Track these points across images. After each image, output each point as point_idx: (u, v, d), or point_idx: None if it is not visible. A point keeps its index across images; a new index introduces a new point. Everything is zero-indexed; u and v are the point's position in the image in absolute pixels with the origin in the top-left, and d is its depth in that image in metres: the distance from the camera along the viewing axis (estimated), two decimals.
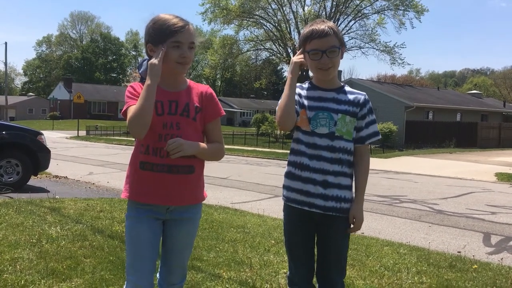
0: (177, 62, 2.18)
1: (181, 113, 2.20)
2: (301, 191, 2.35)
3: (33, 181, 9.97)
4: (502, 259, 5.22)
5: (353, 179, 2.43)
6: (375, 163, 18.55)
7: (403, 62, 40.89)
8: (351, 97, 2.40)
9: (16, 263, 3.77)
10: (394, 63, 41.05)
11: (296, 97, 2.36)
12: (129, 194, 2.24)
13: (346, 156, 2.36)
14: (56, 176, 11.73)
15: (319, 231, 2.41)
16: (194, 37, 2.22)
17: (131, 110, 2.11)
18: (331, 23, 2.40)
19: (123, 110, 2.20)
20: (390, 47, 40.71)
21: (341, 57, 2.42)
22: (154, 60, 2.13)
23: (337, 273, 2.41)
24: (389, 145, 27.75)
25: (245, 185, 11.55)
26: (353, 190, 2.44)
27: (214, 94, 2.34)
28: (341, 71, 34.37)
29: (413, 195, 10.55)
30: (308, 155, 2.34)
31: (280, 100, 2.32)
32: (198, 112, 2.24)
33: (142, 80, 2.27)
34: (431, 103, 34.47)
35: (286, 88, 2.30)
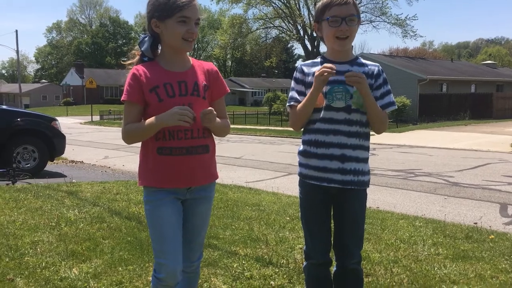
0: (184, 39, 2.14)
1: (191, 93, 2.17)
2: (318, 167, 2.34)
3: (50, 166, 10.12)
4: None
5: (369, 151, 2.42)
6: (388, 137, 18.43)
7: (415, 35, 40.27)
8: (365, 68, 2.37)
9: (37, 246, 3.85)
10: (406, 36, 40.45)
11: (309, 78, 2.35)
12: (149, 182, 2.21)
13: (363, 129, 2.34)
14: (72, 161, 11.89)
15: (336, 205, 2.41)
16: (199, 13, 2.19)
17: (128, 130, 2.16)
18: None
19: (122, 98, 2.17)
20: (401, 19, 40.04)
21: (357, 28, 2.39)
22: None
23: (354, 244, 2.41)
24: (403, 119, 27.49)
25: (259, 164, 11.58)
26: (368, 163, 2.43)
27: (218, 71, 2.32)
28: (352, 46, 33.85)
29: (428, 168, 10.48)
30: (323, 130, 2.32)
31: (301, 105, 2.32)
32: (206, 90, 2.22)
33: (143, 58, 2.24)
34: (445, 75, 33.92)
35: (308, 101, 2.29)
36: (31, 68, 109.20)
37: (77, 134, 22.97)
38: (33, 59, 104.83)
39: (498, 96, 31.12)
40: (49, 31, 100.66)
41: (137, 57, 2.27)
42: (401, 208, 6.59)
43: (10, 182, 7.70)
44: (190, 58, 2.30)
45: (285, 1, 41.38)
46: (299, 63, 2.49)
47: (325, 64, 2.26)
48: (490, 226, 5.26)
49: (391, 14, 40.62)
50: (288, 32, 43.45)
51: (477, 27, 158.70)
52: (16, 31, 47.75)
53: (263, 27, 44.65)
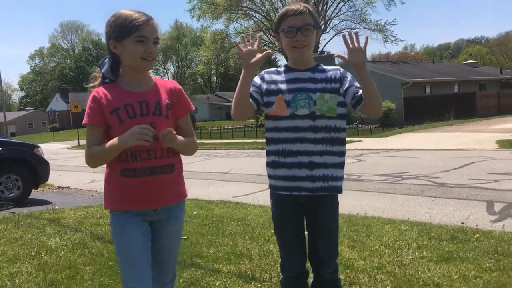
0: (142, 58, 2.12)
1: (153, 113, 2.14)
2: (287, 177, 2.32)
3: (35, 194, 10.00)
4: (503, 226, 5.19)
5: (342, 156, 2.39)
6: (375, 142, 18.52)
7: (395, 39, 40.85)
8: (327, 74, 2.37)
9: (15, 277, 3.77)
10: (387, 41, 41.03)
11: (267, 86, 2.35)
12: (113, 205, 2.18)
13: (331, 134, 2.32)
14: (59, 187, 11.75)
15: (308, 213, 2.38)
16: (157, 32, 2.17)
17: (91, 153, 2.12)
18: (306, 4, 2.39)
19: (83, 122, 2.14)
20: (381, 25, 40.64)
21: (318, 39, 2.41)
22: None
23: (329, 254, 2.38)
24: (389, 123, 27.65)
25: (246, 178, 11.53)
26: (343, 169, 2.41)
27: (182, 89, 2.30)
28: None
29: (414, 171, 10.50)
30: (289, 139, 2.30)
31: (236, 91, 2.30)
32: (169, 109, 2.19)
33: (104, 80, 2.22)
34: (427, 77, 34.30)
35: (240, 81, 2.27)
36: (16, 96, 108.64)
37: (64, 159, 22.76)
38: (17, 87, 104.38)
39: (481, 95, 31.47)
40: (32, 58, 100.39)
41: (99, 79, 2.25)
42: (389, 212, 6.57)
43: None
44: (153, 78, 2.28)
45: (265, 14, 41.79)
46: (263, 71, 2.48)
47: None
48: (476, 225, 5.26)
49: (370, 21, 41.25)
50: (271, 44, 43.72)
51: (457, 28, 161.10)
52: None
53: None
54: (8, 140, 10.63)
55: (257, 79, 2.40)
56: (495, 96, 32.32)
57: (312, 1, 40.90)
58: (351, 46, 2.23)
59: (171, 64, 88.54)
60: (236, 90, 2.29)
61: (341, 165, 2.39)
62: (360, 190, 8.66)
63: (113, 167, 2.17)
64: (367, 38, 2.28)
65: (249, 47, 2.25)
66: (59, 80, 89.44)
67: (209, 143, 26.64)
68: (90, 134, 2.16)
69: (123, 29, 2.10)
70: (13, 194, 9.15)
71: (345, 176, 6.76)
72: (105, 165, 2.22)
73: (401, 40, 48.51)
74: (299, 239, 2.40)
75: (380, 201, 7.52)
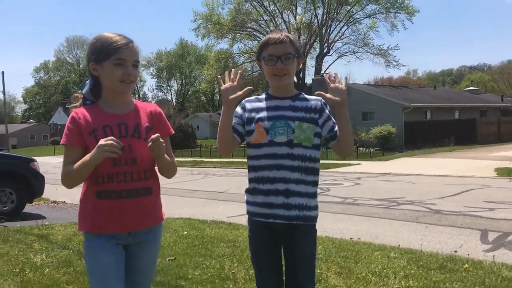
0: (121, 81, 2.13)
1: (132, 135, 2.14)
2: (263, 204, 2.32)
3: (30, 208, 9.95)
4: (494, 256, 5.13)
5: (316, 186, 2.39)
6: (374, 166, 18.48)
7: (397, 64, 41.18)
8: (307, 103, 2.38)
9: None
10: (389, 65, 41.33)
11: (247, 114, 2.38)
12: (87, 227, 2.15)
13: (306, 164, 2.32)
14: (54, 201, 11.70)
15: (285, 242, 2.37)
16: (138, 55, 2.18)
17: (66, 173, 2.11)
18: (288, 33, 2.42)
19: (61, 142, 2.15)
20: (383, 50, 40.98)
21: (298, 67, 2.44)
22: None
23: (307, 282, 2.36)
24: (389, 147, 27.66)
25: (243, 198, 11.44)
26: (316, 198, 2.40)
27: (162, 112, 2.31)
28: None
29: (411, 196, 10.46)
30: (267, 166, 2.31)
31: (218, 128, 2.34)
32: (148, 132, 2.18)
33: (85, 102, 2.23)
34: (428, 102, 34.41)
35: (221, 118, 2.33)
36: (19, 109, 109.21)
37: None
38: (21, 99, 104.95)
39: (482, 122, 31.52)
40: (37, 71, 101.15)
41: (80, 100, 2.26)
42: (382, 238, 6.51)
43: None
44: (133, 100, 2.29)
45: None
46: (244, 101, 2.50)
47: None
48: (468, 254, 5.20)
49: (373, 45, 41.63)
50: None
51: (459, 54, 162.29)
52: (3, 72, 47.98)
53: (249, 60, 45.30)
54: (4, 153, 10.63)
55: (238, 109, 2.42)
56: (495, 123, 32.35)
57: (316, 24, 41.38)
58: (331, 85, 2.30)
59: (175, 81, 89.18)
60: (219, 126, 2.32)
61: (315, 195, 2.39)
62: (355, 214, 8.61)
63: (89, 188, 2.15)
64: (346, 77, 2.34)
65: (230, 83, 2.30)
66: (62, 94, 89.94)
67: (208, 162, 26.63)
68: (67, 154, 2.15)
69: (102, 51, 2.12)
70: (6, 207, 9.11)
71: (341, 200, 6.77)
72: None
73: (403, 65, 48.92)
74: (276, 266, 2.37)
75: (375, 226, 7.47)
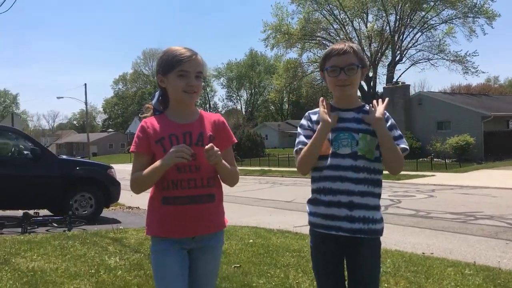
0: (184, 91, 2.21)
1: (196, 143, 2.21)
2: (325, 215, 2.29)
3: (107, 213, 10.47)
4: None
5: (379, 198, 2.34)
6: (449, 178, 17.65)
7: (476, 71, 39.14)
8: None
9: None
10: (467, 73, 39.43)
11: (314, 125, 2.36)
12: (154, 231, 2.25)
13: (371, 176, 2.28)
14: (129, 207, 12.24)
15: (348, 255, 2.32)
16: (201, 67, 2.25)
17: (135, 178, 2.22)
18: (352, 43, 2.40)
19: (130, 150, 2.28)
20: (461, 56, 39.16)
21: (362, 78, 2.41)
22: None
23: None
24: (467, 158, 26.26)
25: None
26: (380, 211, 2.35)
27: (225, 122, 2.37)
28: (409, 85, 33.29)
29: (490, 211, 9.86)
30: (330, 177, 2.28)
31: (305, 149, 2.30)
32: (211, 141, 2.24)
33: (155, 112, 2.33)
34: (511, 111, 32.34)
35: (315, 141, 2.29)
36: (100, 118, 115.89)
37: None
38: (101, 109, 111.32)
39: None
40: (116, 83, 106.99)
41: (151, 111, 2.37)
42: (457, 254, 6.20)
43: (67, 229, 8.03)
44: (199, 110, 2.36)
45: None
46: (308, 112, 2.52)
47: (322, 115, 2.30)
48: None
49: (449, 51, 39.89)
50: None
51: None
52: (85, 84, 51.06)
53: (318, 69, 45.04)
54: (84, 160, 11.30)
55: (304, 122, 2.42)
56: None
57: (388, 31, 40.40)
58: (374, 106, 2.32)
59: (244, 91, 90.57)
60: (309, 148, 2.29)
61: (379, 207, 2.34)
62: (428, 228, 8.26)
63: (155, 194, 2.25)
64: (388, 100, 2.33)
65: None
66: (139, 104, 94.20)
67: (276, 171, 26.70)
68: (136, 161, 2.26)
69: (168, 64, 2.23)
70: (86, 211, 9.65)
71: (413, 212, 6.53)
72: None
73: (483, 72, 46.22)
74: (338, 279, 2.32)
75: (449, 241, 7.12)
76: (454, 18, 39.41)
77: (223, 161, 2.21)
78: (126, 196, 11.03)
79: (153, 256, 2.26)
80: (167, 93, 2.29)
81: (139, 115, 2.43)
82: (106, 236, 6.58)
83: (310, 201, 2.40)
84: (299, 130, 2.43)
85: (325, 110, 2.31)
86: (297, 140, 2.40)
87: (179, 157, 2.09)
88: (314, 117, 2.40)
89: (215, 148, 2.12)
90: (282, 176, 23.60)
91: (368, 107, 2.39)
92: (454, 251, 6.42)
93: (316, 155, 2.30)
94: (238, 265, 4.80)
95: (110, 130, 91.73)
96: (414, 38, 41.54)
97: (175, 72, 2.21)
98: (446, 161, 24.09)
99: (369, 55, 41.10)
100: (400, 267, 4.80)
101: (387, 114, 2.38)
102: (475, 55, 39.47)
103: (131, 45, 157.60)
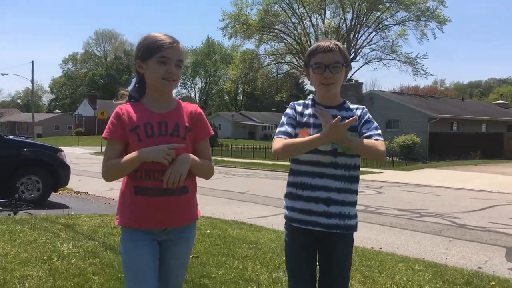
0: (163, 78, 2.17)
1: (171, 134, 2.17)
2: (303, 210, 2.32)
3: (54, 197, 10.12)
4: None
5: (356, 194, 2.38)
6: (396, 176, 18.29)
7: (425, 73, 40.65)
8: (351, 113, 2.38)
9: (25, 280, 3.79)
10: (417, 74, 40.87)
11: (298, 117, 2.37)
12: (125, 221, 2.20)
13: (349, 172, 2.33)
14: (78, 192, 11.90)
15: (322, 249, 2.36)
16: (182, 55, 2.22)
17: (109, 166, 2.16)
18: (337, 42, 2.40)
19: (103, 136, 2.20)
20: (412, 58, 40.52)
21: (345, 77, 2.42)
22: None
23: None
24: (412, 157, 27.32)
25: (263, 200, 11.49)
26: (356, 207, 2.40)
27: (203, 113, 2.33)
28: (362, 83, 34.09)
29: (434, 209, 10.32)
30: (309, 173, 2.31)
31: (299, 141, 2.26)
32: (188, 132, 2.21)
33: (130, 99, 2.27)
34: (455, 114, 33.87)
35: (310, 141, 2.23)
36: (46, 98, 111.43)
37: (85, 164, 23.11)
38: (48, 89, 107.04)
39: (509, 137, 30.85)
40: (65, 62, 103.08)
41: (126, 98, 2.30)
42: (404, 249, 6.45)
43: (12, 212, 7.70)
44: (176, 100, 2.31)
45: (297, 38, 42.10)
46: (293, 103, 2.49)
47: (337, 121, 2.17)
48: (493, 272, 5.10)
49: (401, 53, 41.17)
50: (299, 68, 43.97)
51: (489, 66, 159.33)
52: (32, 62, 48.91)
53: (274, 62, 45.39)
54: (33, 142, 10.84)
55: (289, 111, 2.42)
56: None
57: (344, 29, 41.12)
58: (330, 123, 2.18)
59: (199, 79, 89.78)
60: (302, 142, 2.24)
61: (355, 203, 2.39)
62: (377, 223, 8.53)
63: (127, 184, 2.20)
64: (354, 119, 2.22)
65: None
66: (89, 86, 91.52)
67: (229, 161, 26.71)
68: (109, 148, 2.21)
69: (148, 49, 2.17)
70: (32, 195, 9.28)
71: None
72: (120, 180, 2.25)
73: (431, 75, 48.29)
74: (310, 273, 2.37)
75: (397, 237, 7.39)
76: (407, 20, 40.67)
77: (195, 159, 2.18)
78: (74, 181, 10.72)
79: (123, 246, 2.22)
80: (145, 79, 2.24)
81: (114, 101, 2.36)
82: (57, 221, 6.38)
83: (287, 195, 2.41)
84: (283, 118, 2.41)
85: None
86: (279, 128, 2.38)
87: (165, 158, 2.07)
88: (299, 108, 2.40)
89: (174, 171, 2.09)
90: (235, 167, 23.64)
91: (348, 104, 2.42)
92: (401, 246, 6.68)
93: (303, 153, 2.30)
94: (196, 256, 4.78)
95: (57, 111, 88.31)
96: (368, 37, 42.58)
97: (155, 58, 2.16)
98: (393, 159, 24.93)
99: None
100: (354, 261, 4.94)
101: (365, 109, 2.41)
102: (425, 58, 41.00)
103: (84, 23, 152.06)
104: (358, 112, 2.39)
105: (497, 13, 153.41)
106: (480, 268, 5.38)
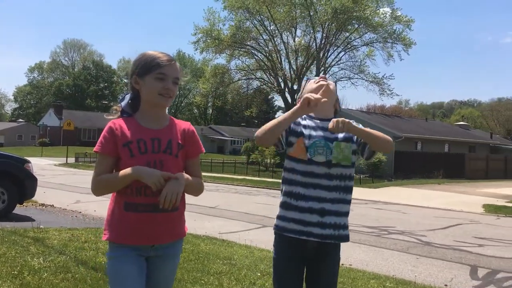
0: (160, 94, 2.20)
1: (164, 151, 2.20)
2: (297, 220, 2.35)
3: (18, 209, 9.82)
4: None
5: (350, 204, 2.45)
6: (364, 193, 18.59)
7: (391, 93, 41.55)
8: None
9: None
10: (383, 94, 41.70)
11: (293, 126, 2.42)
12: (112, 236, 2.19)
13: (344, 183, 2.39)
14: (43, 204, 11.58)
15: (313, 259, 2.40)
16: (179, 73, 2.27)
17: (100, 180, 2.16)
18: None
19: (95, 149, 2.19)
20: (378, 78, 41.44)
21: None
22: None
23: None
24: (378, 174, 27.87)
25: (234, 215, 11.49)
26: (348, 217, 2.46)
27: (195, 131, 2.37)
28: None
29: (401, 226, 10.55)
30: (303, 184, 2.36)
31: (277, 119, 2.32)
32: (180, 149, 2.24)
33: (123, 114, 2.29)
34: (420, 134, 34.85)
35: (286, 115, 2.29)
36: (9, 107, 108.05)
37: (50, 176, 22.52)
38: (12, 98, 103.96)
39: (471, 157, 31.92)
40: (31, 71, 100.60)
41: (118, 113, 2.31)
42: (373, 266, 6.57)
43: None
44: (169, 117, 2.34)
45: (268, 55, 42.51)
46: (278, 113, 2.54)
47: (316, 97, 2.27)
48: None
49: (369, 72, 42.09)
50: (269, 84, 44.38)
51: (451, 88, 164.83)
52: None
53: (245, 77, 45.58)
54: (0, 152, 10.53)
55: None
56: (484, 160, 32.79)
57: (314, 47, 41.85)
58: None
59: None
60: (280, 119, 2.29)
61: (348, 214, 2.45)
62: None
63: (117, 199, 2.21)
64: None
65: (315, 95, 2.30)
66: (55, 95, 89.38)
67: None
68: (100, 163, 2.21)
69: (146, 66, 2.21)
70: None
71: None
72: (108, 196, 2.26)
73: (397, 95, 49.30)
74: (298, 283, 2.40)
75: (366, 254, 7.52)
76: (375, 41, 41.70)
77: (190, 177, 2.21)
78: (39, 192, 10.44)
79: (110, 262, 2.21)
80: (140, 96, 2.27)
81: (105, 116, 2.37)
82: (25, 235, 6.21)
83: (282, 205, 2.44)
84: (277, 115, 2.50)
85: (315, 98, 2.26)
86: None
87: (155, 184, 2.08)
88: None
89: (170, 191, 2.10)
90: (205, 181, 23.28)
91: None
92: (370, 263, 6.81)
93: (283, 129, 2.31)
94: None
95: (20, 120, 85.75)
96: (337, 56, 43.40)
97: (153, 74, 2.19)
98: (360, 176, 25.35)
99: (295, 68, 42.31)
100: None
101: (355, 122, 2.47)
102: (391, 78, 42.15)
103: (52, 32, 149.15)
104: (353, 123, 2.46)
105: (459, 38, 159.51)
106: (446, 285, 5.56)
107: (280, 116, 2.36)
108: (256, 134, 2.34)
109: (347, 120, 2.27)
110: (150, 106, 2.25)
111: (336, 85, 2.56)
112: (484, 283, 5.93)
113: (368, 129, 2.33)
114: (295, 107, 2.31)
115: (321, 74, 2.49)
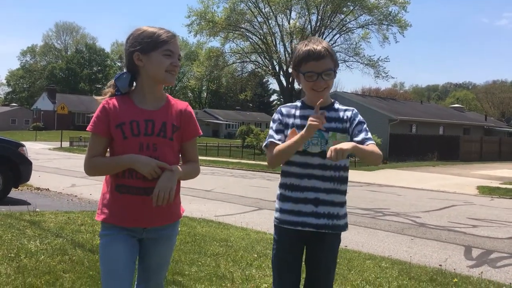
0: (167, 71, 2.15)
1: (157, 134, 2.15)
2: (292, 211, 2.34)
3: (14, 193, 9.80)
4: (482, 272, 5.28)
5: (345, 194, 2.41)
6: (359, 175, 18.68)
7: (387, 76, 41.49)
8: (340, 114, 2.40)
9: None
10: (378, 77, 41.64)
11: (285, 119, 2.39)
12: (106, 217, 2.17)
13: (338, 173, 2.35)
14: (38, 188, 11.56)
15: (310, 249, 2.39)
16: (179, 50, 2.22)
17: (95, 163, 2.14)
18: (326, 43, 2.38)
19: (88, 128, 2.15)
20: (374, 60, 41.31)
21: (334, 77, 2.41)
22: None
23: None
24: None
25: (229, 198, 11.52)
26: (345, 207, 2.43)
27: (193, 112, 2.29)
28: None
29: (396, 208, 10.63)
30: (298, 174, 2.34)
31: (284, 145, 2.29)
32: (175, 132, 2.19)
33: (117, 93, 2.21)
34: (415, 116, 34.93)
35: (294, 142, 2.25)
36: (1, 91, 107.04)
37: (44, 160, 22.44)
38: (4, 81, 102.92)
39: (465, 139, 32.08)
40: (23, 54, 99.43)
41: (109, 93, 2.23)
42: (368, 247, 6.62)
43: None
44: (167, 96, 2.26)
45: (262, 37, 42.21)
46: (280, 107, 2.51)
47: (317, 116, 2.22)
48: (454, 269, 5.34)
49: (364, 55, 41.94)
50: (264, 67, 44.13)
51: (446, 71, 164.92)
52: None
53: (240, 61, 45.27)
54: None
55: (276, 116, 2.43)
56: (478, 142, 32.97)
57: (309, 30, 41.59)
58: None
59: None
60: (289, 147, 2.27)
61: (344, 204, 2.42)
62: None
63: (110, 181, 2.18)
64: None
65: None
66: (48, 79, 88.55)
67: None
68: (93, 142, 2.16)
69: (151, 42, 2.14)
70: None
71: None
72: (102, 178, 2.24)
73: (392, 77, 49.45)
74: (297, 275, 2.40)
75: (361, 235, 7.57)
76: (370, 24, 41.49)
77: (181, 169, 2.17)
78: (34, 176, 10.41)
79: (101, 240, 2.20)
80: (139, 73, 2.18)
81: (94, 97, 2.29)
82: (21, 218, 6.20)
83: (278, 197, 2.43)
84: (271, 124, 2.44)
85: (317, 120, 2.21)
86: (268, 134, 2.42)
87: (151, 174, 2.06)
88: (285, 110, 2.42)
89: (163, 189, 2.07)
90: (200, 165, 23.41)
91: (337, 105, 2.45)
92: (365, 244, 6.86)
93: (292, 154, 2.31)
94: None
95: (13, 104, 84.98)
96: (332, 39, 43.13)
97: (160, 51, 2.13)
98: (355, 159, 25.40)
99: (289, 51, 42.07)
100: None
101: (355, 110, 2.44)
102: (387, 61, 41.89)
103: (44, 15, 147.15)
104: (348, 114, 2.40)
105: (454, 20, 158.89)
106: (441, 265, 5.60)
107: (288, 141, 2.29)
108: (268, 164, 2.38)
109: (343, 148, 2.14)
110: (154, 83, 2.18)
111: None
112: (478, 263, 5.99)
113: (362, 147, 2.27)
114: (302, 134, 2.23)
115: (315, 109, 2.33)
